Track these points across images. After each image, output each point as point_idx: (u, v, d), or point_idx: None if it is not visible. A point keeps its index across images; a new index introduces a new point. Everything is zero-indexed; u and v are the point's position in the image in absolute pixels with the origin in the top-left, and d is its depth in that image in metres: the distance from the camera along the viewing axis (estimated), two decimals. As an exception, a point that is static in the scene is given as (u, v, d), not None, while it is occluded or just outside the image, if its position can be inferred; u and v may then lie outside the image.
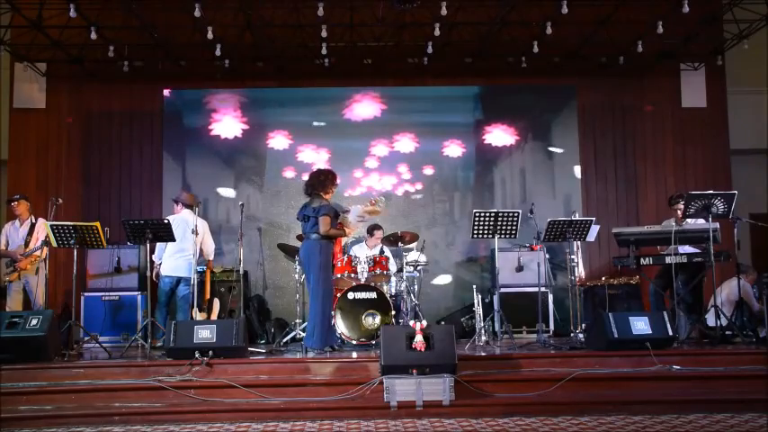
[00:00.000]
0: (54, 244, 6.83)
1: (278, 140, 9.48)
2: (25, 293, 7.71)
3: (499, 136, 9.59)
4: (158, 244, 7.38)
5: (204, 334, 5.91)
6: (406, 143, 9.54)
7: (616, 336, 5.97)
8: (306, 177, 7.11)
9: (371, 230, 8.14)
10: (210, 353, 5.81)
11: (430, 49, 8.90)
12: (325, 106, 9.54)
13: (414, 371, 5.37)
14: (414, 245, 8.39)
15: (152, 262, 7.51)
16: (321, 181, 6.71)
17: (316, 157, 9.43)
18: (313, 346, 6.50)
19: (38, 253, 7.58)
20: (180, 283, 7.39)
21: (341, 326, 7.05)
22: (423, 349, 5.43)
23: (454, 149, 9.55)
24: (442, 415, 5.20)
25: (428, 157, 9.52)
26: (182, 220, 7.38)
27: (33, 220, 7.83)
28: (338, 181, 6.91)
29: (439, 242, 9.36)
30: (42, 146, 9.57)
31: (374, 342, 6.90)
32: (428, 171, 9.52)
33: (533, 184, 9.55)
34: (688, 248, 7.31)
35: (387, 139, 9.51)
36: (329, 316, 6.70)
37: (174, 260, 7.39)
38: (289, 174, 9.42)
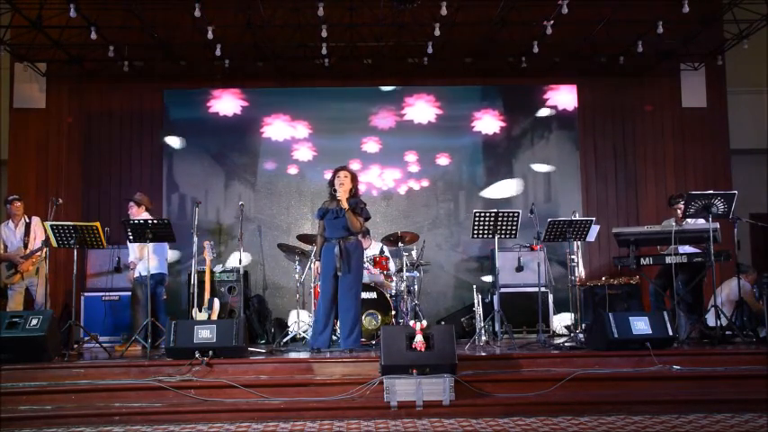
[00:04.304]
0: (54, 244, 6.83)
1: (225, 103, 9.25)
2: (28, 293, 7.71)
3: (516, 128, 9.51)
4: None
5: (204, 334, 5.91)
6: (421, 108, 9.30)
7: (616, 336, 5.96)
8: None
9: None
10: (210, 353, 5.81)
11: (430, 49, 8.90)
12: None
13: (414, 371, 5.36)
14: (414, 245, 8.38)
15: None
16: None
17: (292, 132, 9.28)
18: (353, 346, 6.40)
19: (38, 252, 7.57)
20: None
21: (341, 326, 7.04)
22: (423, 349, 5.43)
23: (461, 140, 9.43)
24: (442, 415, 5.20)
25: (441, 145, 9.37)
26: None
27: (27, 220, 7.81)
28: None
29: (442, 244, 9.33)
30: (42, 146, 9.58)
31: (374, 342, 6.90)
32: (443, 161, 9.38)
33: (559, 183, 9.45)
34: (688, 248, 7.30)
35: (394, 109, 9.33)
36: None
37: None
38: (270, 166, 9.31)
